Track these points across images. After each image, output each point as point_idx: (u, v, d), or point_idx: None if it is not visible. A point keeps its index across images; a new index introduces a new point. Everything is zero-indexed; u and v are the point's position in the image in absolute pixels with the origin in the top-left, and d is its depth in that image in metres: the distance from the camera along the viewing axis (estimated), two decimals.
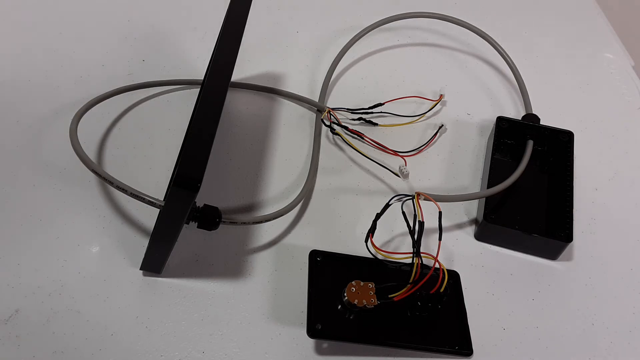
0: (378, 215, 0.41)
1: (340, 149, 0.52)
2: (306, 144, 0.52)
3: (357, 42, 0.59)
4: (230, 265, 0.43)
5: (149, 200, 0.36)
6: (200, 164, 0.32)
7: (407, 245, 0.45)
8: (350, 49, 0.58)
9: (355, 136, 0.52)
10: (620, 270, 0.45)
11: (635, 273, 0.45)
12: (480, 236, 0.46)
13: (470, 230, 0.47)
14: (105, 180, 0.37)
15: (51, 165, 0.47)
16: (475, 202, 0.48)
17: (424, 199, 0.41)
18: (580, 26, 0.68)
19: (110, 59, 0.57)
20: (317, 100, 0.55)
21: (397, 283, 0.39)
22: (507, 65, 0.57)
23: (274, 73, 0.58)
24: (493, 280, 0.44)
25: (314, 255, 0.41)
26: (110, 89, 0.51)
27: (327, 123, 0.52)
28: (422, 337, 0.39)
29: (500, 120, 0.51)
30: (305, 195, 0.47)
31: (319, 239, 0.45)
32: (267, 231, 0.45)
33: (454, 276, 0.43)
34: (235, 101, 0.55)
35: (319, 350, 0.39)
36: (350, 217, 0.47)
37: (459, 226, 0.47)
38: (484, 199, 0.46)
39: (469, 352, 0.39)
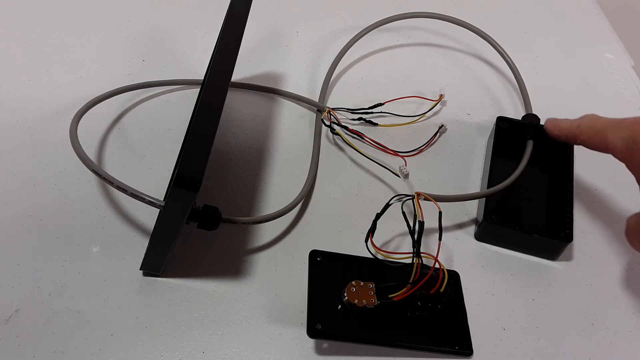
0: (378, 215, 0.41)
1: (340, 149, 0.52)
2: (306, 144, 0.52)
3: (357, 42, 0.59)
4: (230, 265, 0.43)
5: (149, 200, 0.36)
6: (201, 164, 0.32)
7: (407, 245, 0.45)
8: (350, 49, 0.58)
9: (355, 136, 0.52)
10: (620, 270, 0.45)
11: (635, 273, 0.45)
12: (480, 236, 0.46)
13: (470, 230, 0.47)
14: (105, 180, 0.37)
15: (51, 165, 0.47)
16: (475, 202, 0.48)
17: (424, 199, 0.41)
18: (580, 26, 0.68)
19: (110, 59, 0.57)
20: (317, 100, 0.55)
21: (397, 283, 0.39)
22: (507, 65, 0.57)
23: (274, 73, 0.58)
24: (493, 280, 0.44)
25: (314, 255, 0.41)
26: (110, 89, 0.51)
27: (327, 123, 0.52)
28: (422, 337, 0.39)
29: (500, 120, 0.52)
30: (305, 195, 0.47)
31: (319, 239, 0.45)
32: (267, 231, 0.45)
33: (454, 276, 0.43)
34: (235, 101, 0.55)
35: (319, 350, 0.39)
36: (350, 217, 0.47)
37: (459, 226, 0.47)
38: (484, 199, 0.46)
39: (469, 352, 0.39)
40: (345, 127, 0.52)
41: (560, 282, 0.44)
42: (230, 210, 0.46)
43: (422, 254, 0.39)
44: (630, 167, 0.37)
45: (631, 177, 0.53)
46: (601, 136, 0.39)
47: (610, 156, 0.54)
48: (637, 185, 0.38)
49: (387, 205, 0.41)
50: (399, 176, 0.49)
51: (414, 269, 0.39)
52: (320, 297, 0.39)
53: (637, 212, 0.39)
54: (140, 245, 0.42)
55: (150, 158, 0.49)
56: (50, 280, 0.41)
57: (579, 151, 0.52)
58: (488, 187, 0.47)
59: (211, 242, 0.44)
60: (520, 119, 0.52)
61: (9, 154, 0.48)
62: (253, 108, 0.54)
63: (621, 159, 0.38)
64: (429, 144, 0.53)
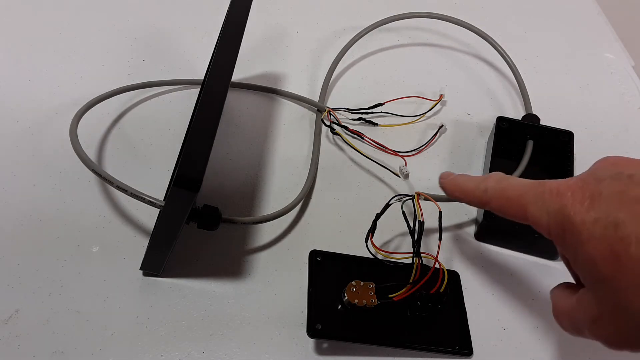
0: (378, 215, 0.41)
1: (340, 149, 0.52)
2: (306, 144, 0.52)
3: (357, 42, 0.59)
4: (230, 265, 0.43)
5: (149, 200, 0.36)
6: (201, 164, 0.32)
7: (407, 245, 0.45)
8: (350, 49, 0.58)
9: (355, 136, 0.52)
10: None
11: None
12: (480, 236, 0.46)
13: (470, 230, 0.47)
14: (105, 180, 0.37)
15: (51, 165, 0.47)
16: None
17: (424, 199, 0.41)
18: (580, 26, 0.68)
19: (110, 59, 0.57)
20: (317, 100, 0.55)
21: (397, 283, 0.39)
22: (507, 65, 0.57)
23: (274, 73, 0.58)
24: (493, 280, 0.44)
25: (314, 255, 0.41)
26: (110, 89, 0.51)
27: (327, 123, 0.52)
28: (422, 337, 0.39)
29: (500, 120, 0.52)
30: (305, 195, 0.47)
31: (319, 239, 0.45)
32: (267, 231, 0.45)
33: (454, 276, 0.43)
34: (235, 101, 0.55)
35: (319, 350, 0.39)
36: (350, 217, 0.47)
37: (459, 226, 0.47)
38: None
39: (469, 352, 0.39)
40: (345, 127, 0.52)
41: (560, 282, 0.44)
42: (230, 210, 0.46)
43: (422, 254, 0.39)
44: (562, 249, 0.29)
45: None
46: (518, 206, 0.31)
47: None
48: (570, 270, 0.33)
49: (387, 205, 0.41)
50: (399, 176, 0.49)
51: (414, 269, 0.39)
52: (320, 297, 0.39)
53: (559, 284, 0.33)
54: (140, 245, 0.42)
55: (150, 158, 0.49)
56: (50, 280, 0.41)
57: (579, 151, 0.52)
58: None
59: (211, 242, 0.44)
60: (520, 119, 0.52)
61: (9, 154, 0.48)
62: (253, 108, 0.54)
63: (548, 236, 0.30)
64: (429, 144, 0.53)
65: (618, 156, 0.29)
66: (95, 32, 0.60)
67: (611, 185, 0.27)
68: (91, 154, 0.49)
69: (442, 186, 0.37)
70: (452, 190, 0.36)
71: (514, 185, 0.32)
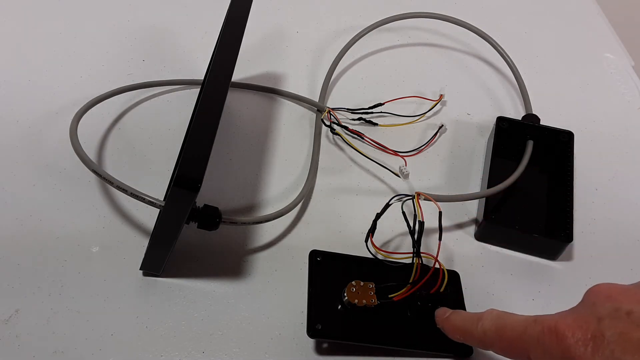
0: (378, 215, 0.41)
1: (340, 149, 0.52)
2: (306, 144, 0.52)
3: (357, 42, 0.59)
4: (230, 265, 0.43)
5: (149, 200, 0.36)
6: (201, 164, 0.32)
7: (407, 245, 0.45)
8: (350, 49, 0.58)
9: (355, 136, 0.52)
10: (620, 270, 0.45)
11: (635, 273, 0.45)
12: (480, 236, 0.46)
13: (470, 230, 0.47)
14: (105, 180, 0.37)
15: (51, 165, 0.47)
16: (475, 202, 0.48)
17: (424, 199, 0.41)
18: (580, 26, 0.68)
19: (110, 59, 0.57)
20: (317, 100, 0.55)
21: (397, 283, 0.39)
22: (507, 65, 0.57)
23: (274, 73, 0.58)
24: (493, 280, 0.44)
25: (314, 255, 0.41)
26: (110, 89, 0.51)
27: (327, 123, 0.52)
28: (422, 337, 0.39)
29: (500, 120, 0.52)
30: (305, 195, 0.47)
31: (319, 239, 0.45)
32: (267, 231, 0.45)
33: (454, 276, 0.43)
34: (235, 101, 0.55)
35: (319, 350, 0.39)
36: (350, 217, 0.47)
37: (459, 226, 0.47)
38: (484, 199, 0.46)
39: (469, 352, 0.39)
40: (345, 127, 0.52)
41: (560, 282, 0.44)
42: (230, 210, 0.46)
43: (422, 254, 0.39)
44: None
45: (631, 176, 0.53)
46: (520, 350, 0.30)
47: (610, 156, 0.54)
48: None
49: (387, 205, 0.41)
50: (399, 176, 0.49)
51: (414, 269, 0.39)
52: (320, 297, 0.39)
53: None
54: (140, 245, 0.42)
55: (150, 158, 0.49)
56: (50, 280, 0.41)
57: (579, 151, 0.52)
58: (488, 187, 0.47)
59: (211, 242, 0.44)
60: (520, 119, 0.52)
61: (9, 154, 0.48)
62: (253, 108, 0.54)
63: None
64: (429, 144, 0.53)
65: (610, 285, 0.30)
66: (95, 32, 0.60)
67: (612, 325, 0.27)
68: (91, 154, 0.49)
69: (442, 329, 0.37)
70: (453, 333, 0.36)
71: (511, 325, 0.31)
